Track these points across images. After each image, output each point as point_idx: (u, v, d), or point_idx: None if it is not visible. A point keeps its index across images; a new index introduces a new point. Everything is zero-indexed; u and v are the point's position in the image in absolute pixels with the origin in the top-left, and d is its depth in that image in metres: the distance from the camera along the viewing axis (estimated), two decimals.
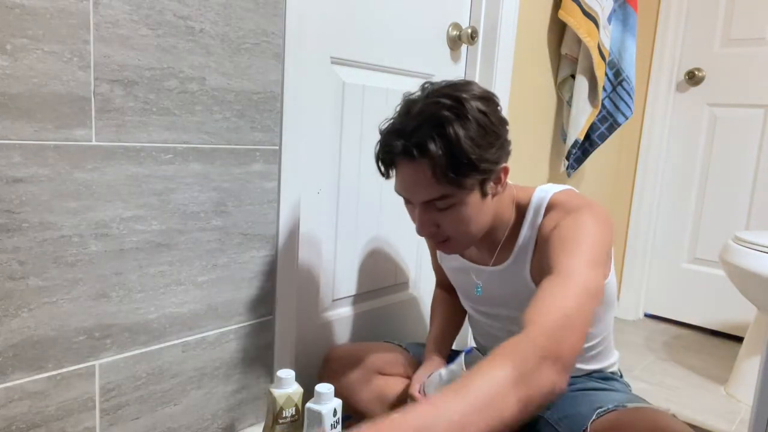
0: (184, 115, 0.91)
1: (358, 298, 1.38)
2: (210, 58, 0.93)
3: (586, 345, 1.06)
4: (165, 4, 0.86)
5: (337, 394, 1.10)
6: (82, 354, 0.86)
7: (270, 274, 1.09)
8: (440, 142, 0.81)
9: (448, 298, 1.22)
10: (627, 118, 1.85)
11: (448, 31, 1.45)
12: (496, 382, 0.62)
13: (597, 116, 1.81)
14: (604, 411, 0.92)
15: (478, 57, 1.52)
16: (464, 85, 0.87)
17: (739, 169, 2.12)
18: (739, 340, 2.02)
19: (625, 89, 1.83)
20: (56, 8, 0.76)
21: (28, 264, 0.79)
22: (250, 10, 0.97)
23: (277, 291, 1.10)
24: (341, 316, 1.33)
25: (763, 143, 2.06)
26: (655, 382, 1.75)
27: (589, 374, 1.09)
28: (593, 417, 0.91)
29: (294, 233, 1.12)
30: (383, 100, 1.32)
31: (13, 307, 0.79)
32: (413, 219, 0.92)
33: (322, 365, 1.16)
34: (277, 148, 1.06)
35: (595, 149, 1.86)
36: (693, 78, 2.16)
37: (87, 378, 0.87)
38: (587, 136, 1.83)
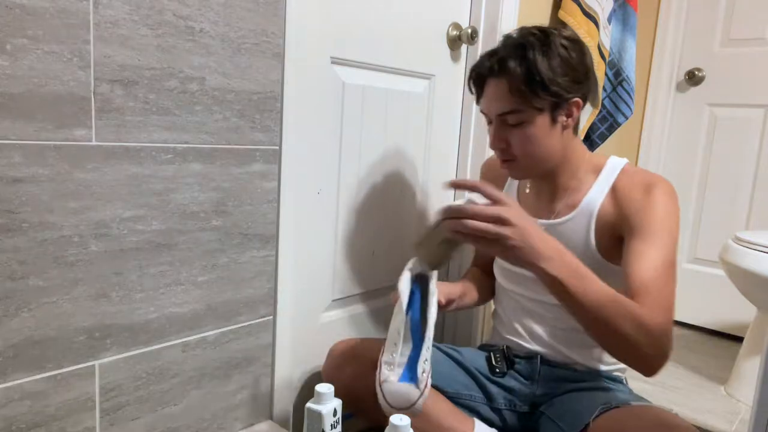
0: (184, 115, 0.91)
1: (358, 298, 1.38)
2: (210, 58, 0.93)
3: None
4: (165, 4, 0.86)
5: (339, 388, 1.10)
6: (82, 354, 0.86)
7: (270, 274, 1.09)
8: (519, 61, 0.95)
9: (480, 274, 1.27)
10: (627, 118, 1.85)
11: (448, 31, 1.45)
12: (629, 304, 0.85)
13: (597, 116, 1.81)
14: (607, 408, 0.92)
15: (478, 57, 1.51)
16: (559, 27, 1.04)
17: (739, 169, 2.12)
18: (739, 340, 2.02)
19: (625, 89, 1.83)
20: (56, 8, 0.76)
21: (28, 264, 0.79)
22: (250, 10, 0.97)
23: (277, 291, 1.10)
24: (341, 316, 1.33)
25: (763, 143, 2.06)
26: (655, 382, 1.75)
27: (598, 373, 1.09)
28: (596, 413, 0.91)
29: (294, 233, 1.12)
30: (383, 100, 1.32)
31: (13, 307, 0.79)
32: (490, 138, 1.03)
33: (327, 359, 1.15)
34: (277, 148, 1.06)
35: (595, 149, 1.86)
36: (693, 78, 2.16)
37: (87, 378, 0.87)
38: (587, 136, 1.83)
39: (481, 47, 1.51)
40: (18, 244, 0.78)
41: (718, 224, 2.17)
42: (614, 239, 1.01)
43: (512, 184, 1.21)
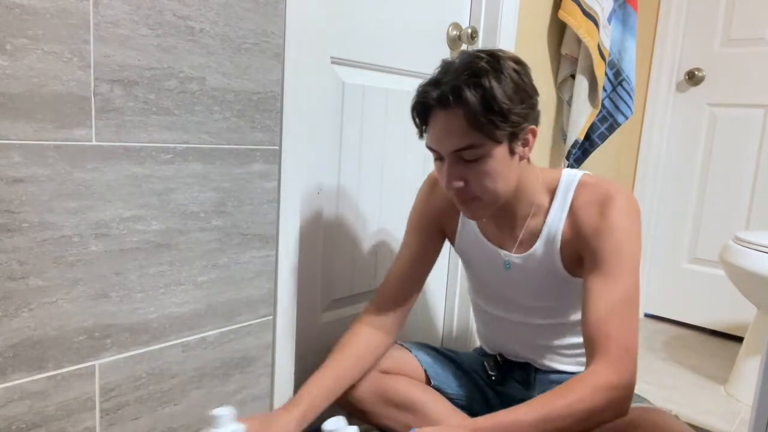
0: (184, 115, 0.91)
1: (358, 298, 1.38)
2: (210, 58, 0.93)
3: None
4: (165, 4, 0.86)
5: None
6: (82, 354, 0.86)
7: (270, 274, 1.09)
8: (475, 90, 0.85)
9: (368, 336, 1.07)
10: (627, 118, 1.85)
11: (448, 31, 1.45)
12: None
13: (597, 116, 1.81)
14: None
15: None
16: (500, 49, 0.94)
17: (739, 169, 2.12)
18: (739, 340, 2.02)
19: (625, 89, 1.83)
20: (56, 8, 0.76)
21: (28, 264, 0.79)
22: (250, 10, 0.97)
23: (277, 291, 1.10)
24: (341, 316, 1.33)
25: (763, 143, 2.06)
26: (655, 382, 1.75)
27: None
28: None
29: (294, 233, 1.12)
30: (383, 100, 1.32)
31: (13, 307, 0.79)
32: (441, 177, 0.93)
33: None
34: (277, 148, 1.06)
35: (595, 149, 1.86)
36: (693, 78, 2.16)
37: (87, 378, 0.87)
38: (587, 136, 1.83)
39: (481, 47, 1.51)
40: (18, 244, 0.78)
41: (718, 224, 2.17)
42: (579, 257, 0.97)
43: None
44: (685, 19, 2.18)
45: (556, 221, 0.98)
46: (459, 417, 1.07)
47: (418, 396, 1.08)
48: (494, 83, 0.85)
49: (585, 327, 0.87)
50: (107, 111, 0.83)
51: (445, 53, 1.46)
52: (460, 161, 0.90)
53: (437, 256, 1.14)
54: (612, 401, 0.80)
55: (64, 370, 0.85)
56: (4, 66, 0.73)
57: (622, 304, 0.86)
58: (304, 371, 1.22)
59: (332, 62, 1.20)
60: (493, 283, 1.10)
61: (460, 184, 0.90)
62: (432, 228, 1.12)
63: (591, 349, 0.86)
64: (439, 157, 0.92)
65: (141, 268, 0.91)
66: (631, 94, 1.84)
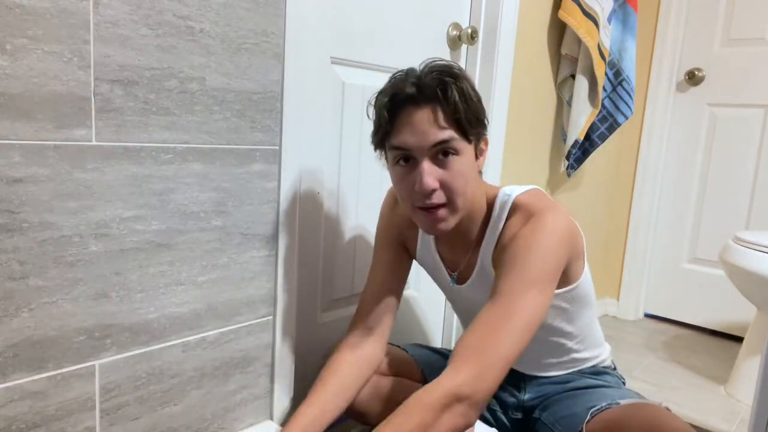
0: (184, 115, 0.91)
1: (358, 298, 1.37)
2: (210, 58, 0.93)
3: (568, 344, 1.06)
4: (165, 4, 0.86)
5: None
6: (82, 354, 0.86)
7: (270, 274, 1.09)
8: (456, 89, 0.86)
9: (350, 359, 1.02)
10: (627, 118, 1.85)
11: (448, 31, 1.45)
12: None
13: (597, 116, 1.81)
14: (597, 410, 0.92)
15: (478, 57, 1.52)
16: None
17: (739, 169, 2.12)
18: (739, 340, 2.02)
19: (625, 89, 1.83)
20: (56, 8, 0.76)
21: (28, 264, 0.79)
22: (250, 10, 0.97)
23: (277, 291, 1.10)
24: (341, 316, 1.33)
25: (763, 143, 2.06)
26: (655, 382, 1.75)
27: (581, 371, 1.09)
28: (587, 417, 0.91)
29: (294, 233, 1.12)
30: None
31: (13, 307, 0.79)
32: (404, 187, 0.90)
33: (324, 362, 1.14)
34: (277, 148, 1.06)
35: (595, 149, 1.86)
36: (693, 78, 2.16)
37: (87, 378, 0.87)
38: (587, 136, 1.83)
39: (481, 47, 1.51)
40: (18, 244, 0.78)
41: (718, 224, 2.17)
42: None
43: (427, 237, 1.08)
44: (685, 19, 2.18)
45: (488, 250, 0.97)
46: None
47: None
48: (468, 86, 0.88)
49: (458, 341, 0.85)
50: (107, 111, 0.83)
51: (445, 53, 1.46)
52: (435, 160, 0.87)
53: (410, 266, 1.14)
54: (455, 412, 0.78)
55: (64, 370, 0.85)
56: (4, 66, 0.73)
57: (496, 332, 0.82)
58: (304, 371, 1.22)
59: (332, 62, 1.20)
60: (452, 297, 1.13)
61: (436, 184, 0.87)
62: (398, 241, 1.12)
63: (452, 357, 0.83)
64: (405, 159, 0.89)
65: (141, 268, 0.91)
66: (631, 94, 1.84)
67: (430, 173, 0.87)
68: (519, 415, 1.11)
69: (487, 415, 1.13)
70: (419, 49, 1.38)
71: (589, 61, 1.71)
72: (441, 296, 1.62)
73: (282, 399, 1.16)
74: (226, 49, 0.95)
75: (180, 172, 0.93)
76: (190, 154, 0.94)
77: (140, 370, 0.93)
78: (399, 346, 1.20)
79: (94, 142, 0.82)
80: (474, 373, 0.79)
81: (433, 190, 0.87)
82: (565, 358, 1.07)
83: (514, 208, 0.95)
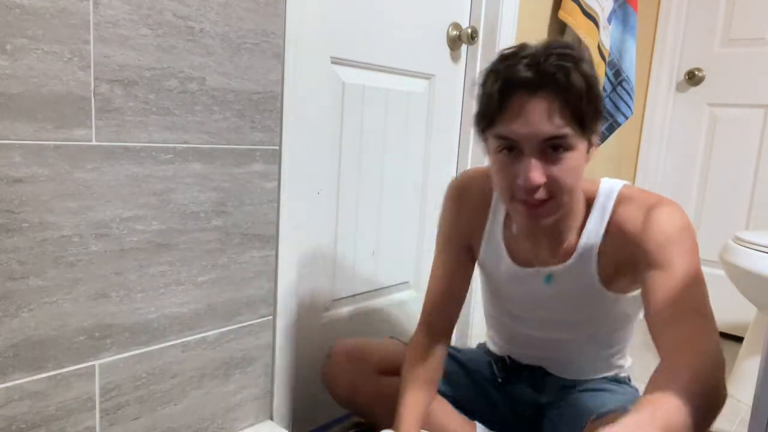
0: (184, 115, 0.91)
1: (358, 298, 1.38)
2: (210, 58, 0.93)
3: (611, 349, 1.05)
4: (165, 4, 0.86)
5: (340, 389, 1.09)
6: (82, 354, 0.86)
7: (270, 274, 1.09)
8: (578, 78, 0.76)
9: (428, 356, 1.01)
10: (627, 118, 1.85)
11: (448, 31, 1.45)
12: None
13: None
14: (605, 412, 0.92)
15: (478, 57, 1.52)
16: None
17: (739, 169, 2.11)
18: (739, 340, 2.01)
19: (625, 89, 1.83)
20: (56, 8, 0.76)
21: (28, 264, 0.79)
22: (250, 10, 0.97)
23: (277, 291, 1.10)
24: (341, 316, 1.33)
25: (763, 143, 2.06)
26: None
27: (605, 377, 1.09)
28: (593, 416, 0.91)
29: (294, 233, 1.12)
30: (383, 100, 1.31)
31: (13, 307, 0.78)
32: (505, 177, 0.82)
33: (327, 360, 1.14)
34: (277, 148, 1.06)
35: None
36: (693, 78, 2.16)
37: (87, 378, 0.87)
38: None
39: (481, 47, 1.51)
40: (18, 244, 0.78)
41: (718, 224, 2.16)
42: (619, 274, 0.92)
43: (496, 221, 1.00)
44: (685, 19, 2.17)
45: (593, 238, 0.91)
46: (461, 420, 1.07)
47: None
48: (590, 72, 0.78)
49: (651, 321, 0.80)
50: (107, 111, 0.83)
51: (445, 53, 1.46)
52: (544, 153, 0.79)
53: (473, 268, 1.07)
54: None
55: (64, 370, 0.85)
56: (4, 66, 0.73)
57: (685, 288, 0.78)
58: (304, 371, 1.22)
59: (332, 62, 1.20)
60: (515, 299, 1.04)
61: (543, 180, 0.79)
62: (463, 241, 1.04)
63: (659, 348, 0.78)
64: (509, 149, 0.81)
65: (141, 268, 0.91)
66: (631, 94, 1.84)
67: (537, 168, 0.79)
68: (529, 412, 1.10)
69: (494, 417, 1.12)
70: (419, 49, 1.38)
71: None
72: None
73: (282, 399, 1.16)
74: (226, 49, 0.95)
75: (180, 172, 0.93)
76: (190, 154, 0.94)
77: (140, 370, 0.93)
78: (402, 342, 1.19)
79: (94, 142, 0.82)
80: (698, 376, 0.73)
81: (539, 186, 0.80)
82: (600, 364, 1.07)
83: (621, 200, 0.90)
